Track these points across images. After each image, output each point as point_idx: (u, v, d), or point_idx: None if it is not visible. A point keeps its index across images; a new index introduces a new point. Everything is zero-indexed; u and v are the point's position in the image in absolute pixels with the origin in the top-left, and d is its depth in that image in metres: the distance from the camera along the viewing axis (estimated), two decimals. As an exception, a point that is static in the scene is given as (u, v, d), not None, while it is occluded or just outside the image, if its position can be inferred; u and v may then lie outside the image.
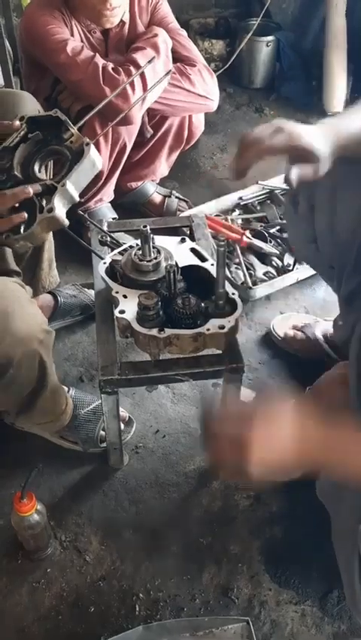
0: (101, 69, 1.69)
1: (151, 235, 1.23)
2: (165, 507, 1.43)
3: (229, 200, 2.21)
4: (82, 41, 1.82)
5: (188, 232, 1.54)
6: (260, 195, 2.22)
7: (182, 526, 1.40)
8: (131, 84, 1.67)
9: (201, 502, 1.44)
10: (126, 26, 1.86)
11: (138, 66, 1.70)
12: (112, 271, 1.30)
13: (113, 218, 2.01)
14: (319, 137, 0.99)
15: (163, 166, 2.18)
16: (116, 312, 1.18)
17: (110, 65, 1.71)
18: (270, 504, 1.44)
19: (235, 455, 0.86)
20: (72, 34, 1.79)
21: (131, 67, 1.70)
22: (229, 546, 1.36)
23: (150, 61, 1.59)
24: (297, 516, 1.41)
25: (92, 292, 1.78)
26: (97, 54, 1.74)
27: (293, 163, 0.99)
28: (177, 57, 1.89)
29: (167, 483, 1.47)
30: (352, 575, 1.07)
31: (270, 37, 2.94)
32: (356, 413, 1.12)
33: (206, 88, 1.93)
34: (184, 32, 1.97)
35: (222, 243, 1.11)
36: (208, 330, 1.15)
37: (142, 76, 1.69)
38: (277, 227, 2.10)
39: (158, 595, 1.29)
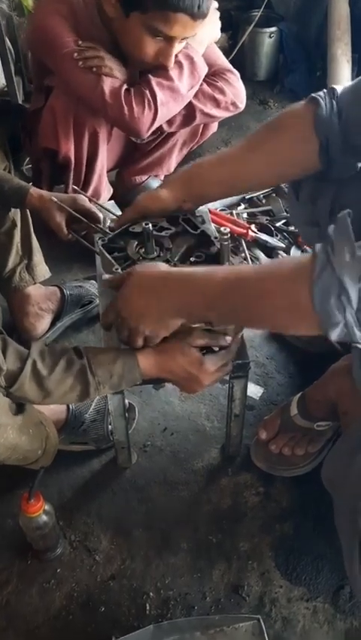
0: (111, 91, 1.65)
1: (153, 232, 1.21)
2: (174, 505, 1.43)
3: (233, 194, 2.19)
4: None
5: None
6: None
7: (191, 524, 1.39)
8: (145, 102, 1.65)
9: (211, 499, 1.43)
10: None
11: (150, 86, 1.66)
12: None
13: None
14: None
15: (173, 160, 2.14)
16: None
17: (124, 87, 1.67)
18: (280, 500, 1.43)
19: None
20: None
21: (147, 91, 1.66)
22: (239, 543, 1.36)
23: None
24: (308, 512, 1.40)
25: (94, 282, 1.81)
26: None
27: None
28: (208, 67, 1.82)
29: (176, 481, 1.47)
30: (352, 552, 1.05)
31: (273, 29, 2.92)
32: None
33: (236, 92, 1.90)
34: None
35: (226, 237, 1.10)
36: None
37: (154, 97, 1.66)
38: (283, 221, 2.09)
39: (168, 593, 1.28)
